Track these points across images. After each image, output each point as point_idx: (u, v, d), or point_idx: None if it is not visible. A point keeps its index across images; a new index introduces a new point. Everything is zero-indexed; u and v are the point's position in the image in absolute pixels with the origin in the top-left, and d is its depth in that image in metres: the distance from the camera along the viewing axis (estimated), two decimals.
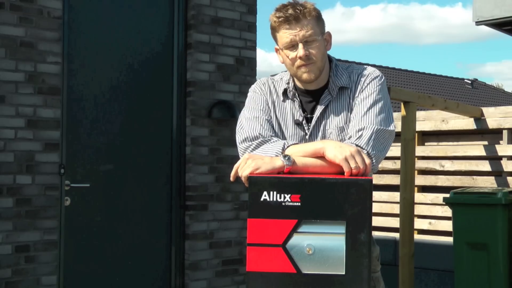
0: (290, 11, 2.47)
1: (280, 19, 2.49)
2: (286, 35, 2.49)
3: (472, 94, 26.64)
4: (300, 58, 2.49)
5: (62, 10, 4.97)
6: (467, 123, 6.75)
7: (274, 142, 2.44)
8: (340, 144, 2.27)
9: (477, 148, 6.64)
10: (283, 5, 2.52)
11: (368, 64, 20.82)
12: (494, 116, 6.59)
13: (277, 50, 2.60)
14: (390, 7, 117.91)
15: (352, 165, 2.19)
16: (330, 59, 2.62)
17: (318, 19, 2.52)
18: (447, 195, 5.39)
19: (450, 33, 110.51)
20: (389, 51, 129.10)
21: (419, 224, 6.86)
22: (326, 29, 2.59)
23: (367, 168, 2.20)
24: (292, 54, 2.51)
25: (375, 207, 6.92)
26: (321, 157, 2.26)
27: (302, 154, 2.28)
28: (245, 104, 2.65)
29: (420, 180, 6.96)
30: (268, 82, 2.67)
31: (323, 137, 2.54)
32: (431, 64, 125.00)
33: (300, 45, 2.48)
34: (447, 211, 6.29)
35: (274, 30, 2.55)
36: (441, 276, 6.49)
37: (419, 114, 6.85)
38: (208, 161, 5.64)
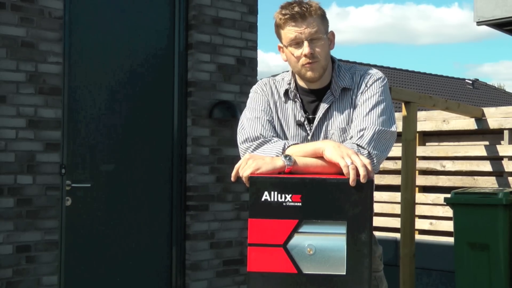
0: (296, 8, 2.48)
1: (286, 16, 2.49)
2: (291, 31, 2.49)
3: (473, 94, 26.63)
4: (305, 55, 2.48)
5: (63, 10, 4.98)
6: (468, 123, 6.74)
7: (274, 142, 2.43)
8: (338, 144, 2.27)
9: (478, 148, 6.63)
10: (288, 3, 2.52)
11: (366, 64, 20.83)
12: (495, 116, 6.58)
13: (280, 48, 2.59)
14: (386, 7, 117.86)
15: (348, 161, 2.15)
16: (332, 59, 2.62)
17: (323, 18, 2.53)
18: (448, 195, 5.39)
19: (446, 33, 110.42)
20: (385, 51, 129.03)
21: (420, 224, 6.85)
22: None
23: (369, 171, 2.14)
24: (297, 52, 2.50)
25: (376, 207, 6.91)
26: (322, 157, 2.25)
27: (302, 154, 2.28)
28: (247, 105, 2.65)
29: (421, 180, 6.95)
30: (269, 82, 2.66)
31: (325, 137, 2.54)
32: (428, 64, 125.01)
33: (306, 43, 2.48)
34: (448, 211, 6.28)
35: (279, 27, 2.54)
36: (442, 277, 6.48)
37: (420, 114, 6.84)
38: (209, 161, 5.64)
